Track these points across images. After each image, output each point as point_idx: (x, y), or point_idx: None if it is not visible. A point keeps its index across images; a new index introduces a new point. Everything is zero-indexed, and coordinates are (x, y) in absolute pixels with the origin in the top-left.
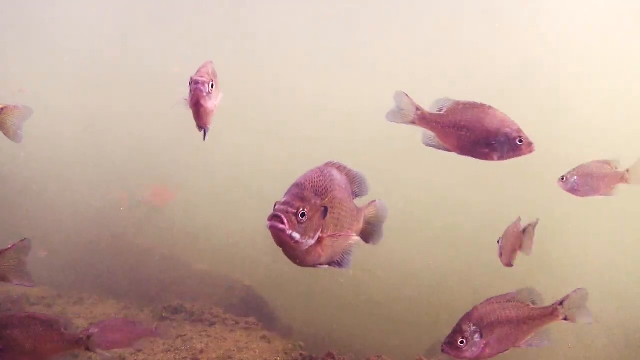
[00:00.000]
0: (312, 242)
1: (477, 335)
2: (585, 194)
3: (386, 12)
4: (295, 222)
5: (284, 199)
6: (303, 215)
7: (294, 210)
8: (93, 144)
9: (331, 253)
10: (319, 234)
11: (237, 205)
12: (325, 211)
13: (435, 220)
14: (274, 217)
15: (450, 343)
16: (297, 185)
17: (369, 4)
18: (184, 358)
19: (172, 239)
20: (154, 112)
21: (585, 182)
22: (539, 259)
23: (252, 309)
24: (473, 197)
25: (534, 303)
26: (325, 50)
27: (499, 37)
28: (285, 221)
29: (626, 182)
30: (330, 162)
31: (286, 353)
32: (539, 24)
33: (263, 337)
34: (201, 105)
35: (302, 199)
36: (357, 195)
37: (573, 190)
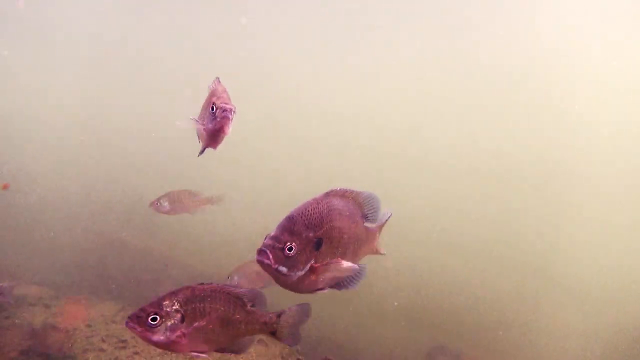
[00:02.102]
0: (301, 273)
1: (177, 318)
2: (175, 212)
3: (388, 17)
4: (282, 256)
5: (273, 233)
6: (290, 249)
7: (280, 245)
8: (93, 144)
9: (331, 278)
10: (309, 265)
11: (237, 206)
12: (320, 243)
13: (437, 226)
14: (261, 252)
15: (138, 317)
16: (289, 218)
17: (370, 12)
18: None
19: (171, 239)
20: (154, 112)
21: (175, 205)
22: (539, 261)
23: None
24: (475, 204)
25: (252, 305)
26: (331, 54)
27: (499, 40)
28: (271, 256)
29: (213, 204)
30: (332, 191)
31: (283, 357)
32: (540, 28)
33: (260, 341)
34: (224, 132)
35: (291, 233)
36: (368, 219)
37: (165, 212)
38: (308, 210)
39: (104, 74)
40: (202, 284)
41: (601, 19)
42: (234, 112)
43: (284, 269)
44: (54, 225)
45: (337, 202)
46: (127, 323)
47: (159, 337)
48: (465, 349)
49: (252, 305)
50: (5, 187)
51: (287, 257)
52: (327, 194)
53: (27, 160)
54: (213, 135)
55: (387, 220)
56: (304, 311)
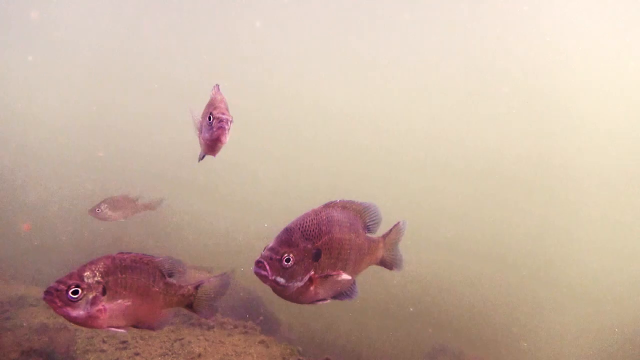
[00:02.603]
0: (299, 284)
1: (98, 290)
2: (114, 219)
3: (390, 18)
4: (279, 267)
5: (271, 244)
6: (288, 260)
7: (278, 257)
8: (95, 145)
9: (331, 289)
10: (308, 276)
11: (238, 207)
12: (318, 254)
13: (439, 228)
14: (258, 263)
15: (58, 290)
16: (287, 230)
17: (373, 13)
18: None
19: (172, 240)
20: (156, 114)
21: (114, 211)
22: (541, 263)
23: (251, 313)
24: (478, 206)
25: (170, 275)
26: (332, 55)
27: (501, 40)
28: (268, 268)
29: (152, 209)
30: (332, 203)
31: (283, 358)
32: (542, 28)
33: (261, 342)
34: (221, 142)
35: (289, 245)
36: (370, 230)
37: (104, 218)
38: (306, 222)
39: (108, 78)
40: (121, 252)
41: (603, 19)
42: (231, 122)
43: (281, 280)
44: (54, 225)
45: (337, 214)
46: (45, 297)
47: (79, 312)
48: (467, 349)
49: (170, 276)
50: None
51: (285, 268)
52: (327, 206)
53: (28, 161)
54: (210, 145)
55: (393, 229)
56: (223, 283)
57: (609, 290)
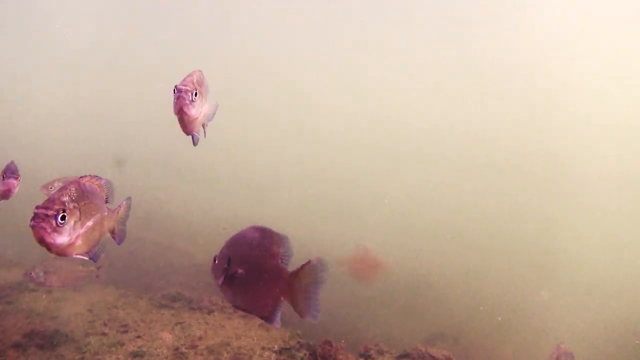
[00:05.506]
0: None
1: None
2: None
3: (389, 15)
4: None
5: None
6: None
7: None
8: (95, 137)
9: (88, 241)
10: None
11: (236, 196)
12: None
13: (436, 218)
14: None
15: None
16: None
17: (373, 8)
18: (182, 344)
19: (172, 229)
20: (152, 106)
21: None
22: (540, 253)
23: None
24: (476, 197)
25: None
26: (332, 50)
27: (499, 37)
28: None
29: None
30: (84, 176)
31: (284, 341)
32: (538, 24)
33: (261, 325)
34: (184, 113)
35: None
36: (108, 202)
37: None
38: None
39: (108, 75)
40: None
41: (603, 18)
42: (192, 92)
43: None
44: None
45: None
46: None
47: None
48: (463, 335)
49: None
50: None
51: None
52: (82, 177)
53: (30, 151)
54: (179, 120)
55: (124, 206)
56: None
57: (610, 284)
